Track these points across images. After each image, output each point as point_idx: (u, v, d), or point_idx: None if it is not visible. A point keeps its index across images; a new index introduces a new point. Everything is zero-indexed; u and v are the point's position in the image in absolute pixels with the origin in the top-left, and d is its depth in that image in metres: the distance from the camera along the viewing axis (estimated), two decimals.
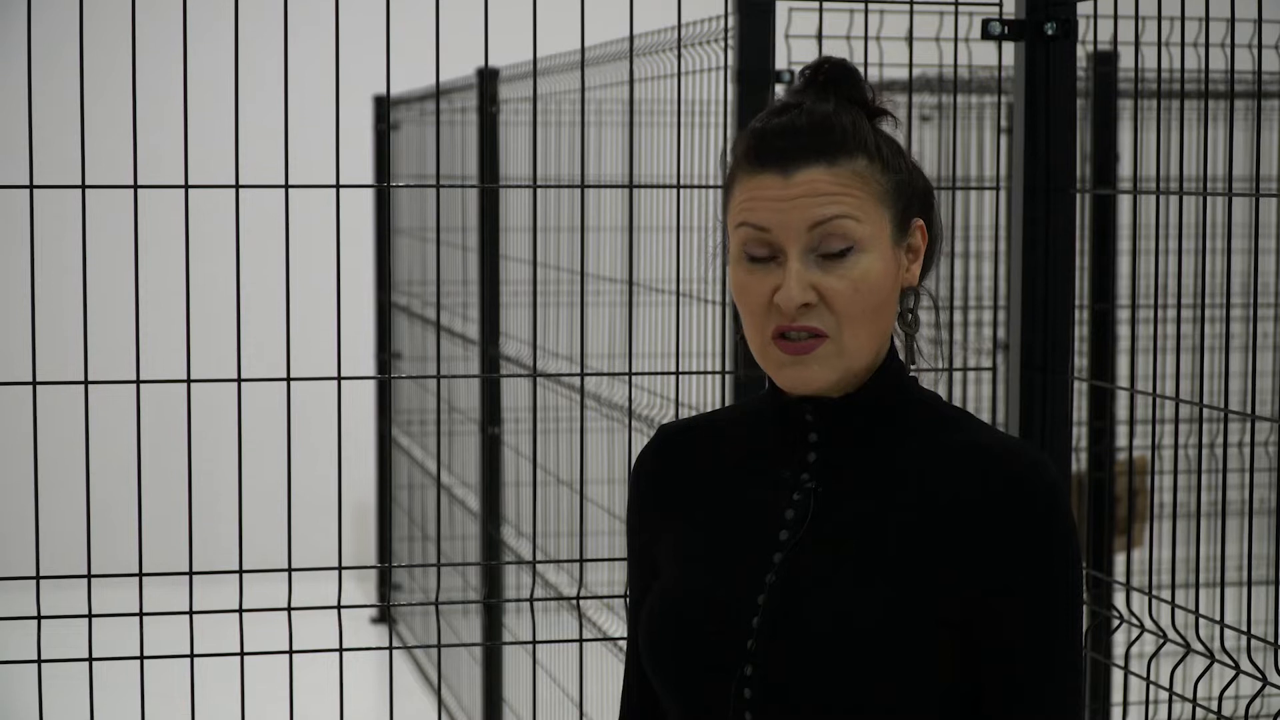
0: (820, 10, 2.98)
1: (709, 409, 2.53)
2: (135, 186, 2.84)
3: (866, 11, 3.03)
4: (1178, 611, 2.58)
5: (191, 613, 2.97)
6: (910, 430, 1.80)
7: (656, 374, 3.28)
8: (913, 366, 1.86)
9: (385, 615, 7.94)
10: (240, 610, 2.98)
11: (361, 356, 8.54)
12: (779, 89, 3.15)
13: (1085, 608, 2.92)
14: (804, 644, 1.72)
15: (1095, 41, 4.02)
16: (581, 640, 3.16)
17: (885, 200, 1.76)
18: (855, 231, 1.74)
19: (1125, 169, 6.40)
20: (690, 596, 1.81)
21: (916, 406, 1.81)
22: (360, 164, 8.58)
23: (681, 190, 3.19)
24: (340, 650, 2.96)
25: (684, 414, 3.50)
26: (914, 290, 1.83)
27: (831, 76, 1.80)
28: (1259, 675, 2.41)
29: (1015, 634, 1.72)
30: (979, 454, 1.75)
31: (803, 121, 1.76)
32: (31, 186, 2.77)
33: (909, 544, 1.74)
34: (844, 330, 1.74)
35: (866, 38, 3.03)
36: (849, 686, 1.70)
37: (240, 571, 2.97)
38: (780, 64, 3.24)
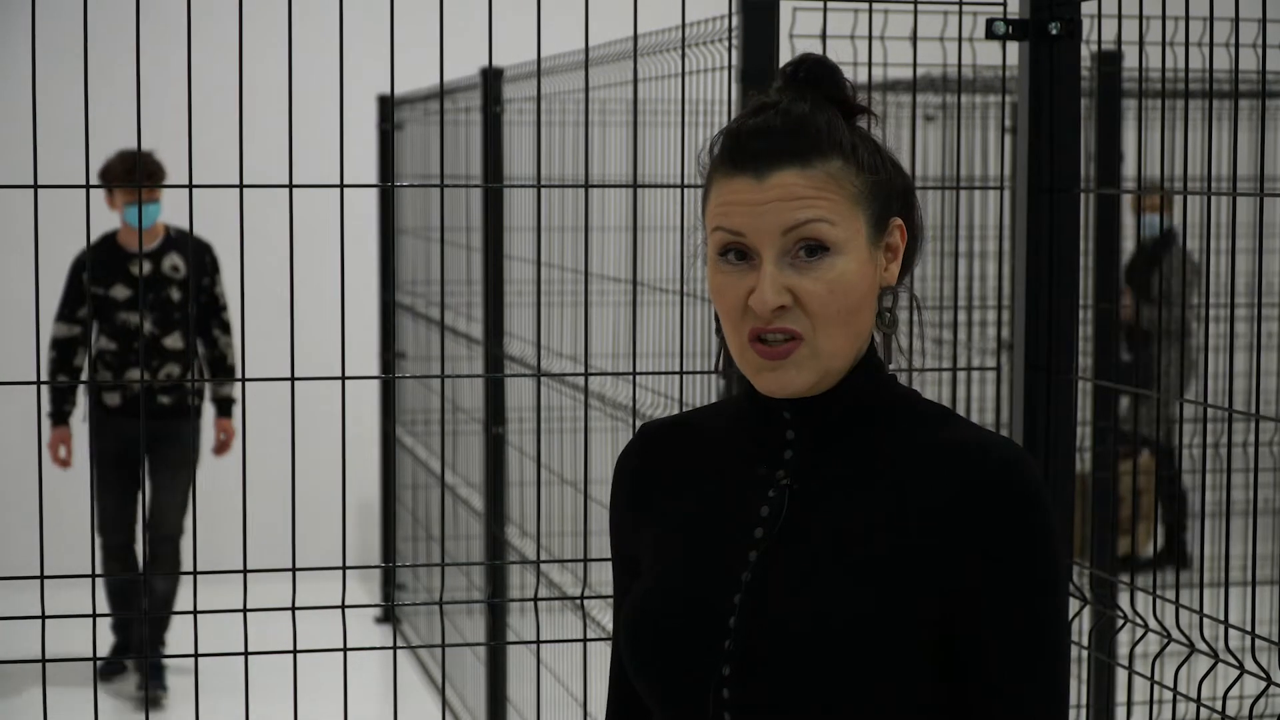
0: (824, 10, 2.98)
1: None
2: (139, 187, 2.84)
3: (870, 11, 3.03)
4: (1182, 611, 2.58)
5: (196, 612, 2.97)
6: (888, 428, 1.79)
7: (660, 374, 3.28)
8: (893, 366, 1.86)
9: (389, 615, 7.94)
10: (244, 610, 2.98)
11: (366, 356, 8.54)
12: None
13: (1089, 608, 2.93)
14: (781, 644, 1.72)
15: (1099, 41, 4.01)
16: (585, 640, 3.16)
17: (861, 201, 1.76)
18: (829, 234, 1.73)
19: (1129, 169, 6.40)
20: (668, 596, 1.80)
21: (894, 404, 1.81)
22: (365, 164, 8.59)
23: (685, 190, 3.19)
24: (344, 650, 2.96)
25: None
26: (893, 290, 1.82)
27: (811, 75, 1.80)
28: (1263, 675, 2.41)
29: (995, 632, 1.71)
30: (957, 451, 1.74)
31: (777, 122, 1.75)
32: (36, 186, 2.78)
33: (887, 542, 1.73)
34: (819, 332, 1.74)
35: (870, 37, 3.03)
36: (828, 686, 1.69)
37: (244, 571, 2.97)
38: (784, 64, 3.24)
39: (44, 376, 6.01)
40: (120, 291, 6.62)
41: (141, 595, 3.70)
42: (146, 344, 6.59)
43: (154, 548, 6.64)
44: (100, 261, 6.63)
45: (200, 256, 6.76)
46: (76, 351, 6.68)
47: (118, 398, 6.65)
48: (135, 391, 6.62)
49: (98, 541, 6.73)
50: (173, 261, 6.69)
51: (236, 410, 7.07)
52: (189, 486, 6.74)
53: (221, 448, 6.91)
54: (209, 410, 7.35)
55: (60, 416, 6.67)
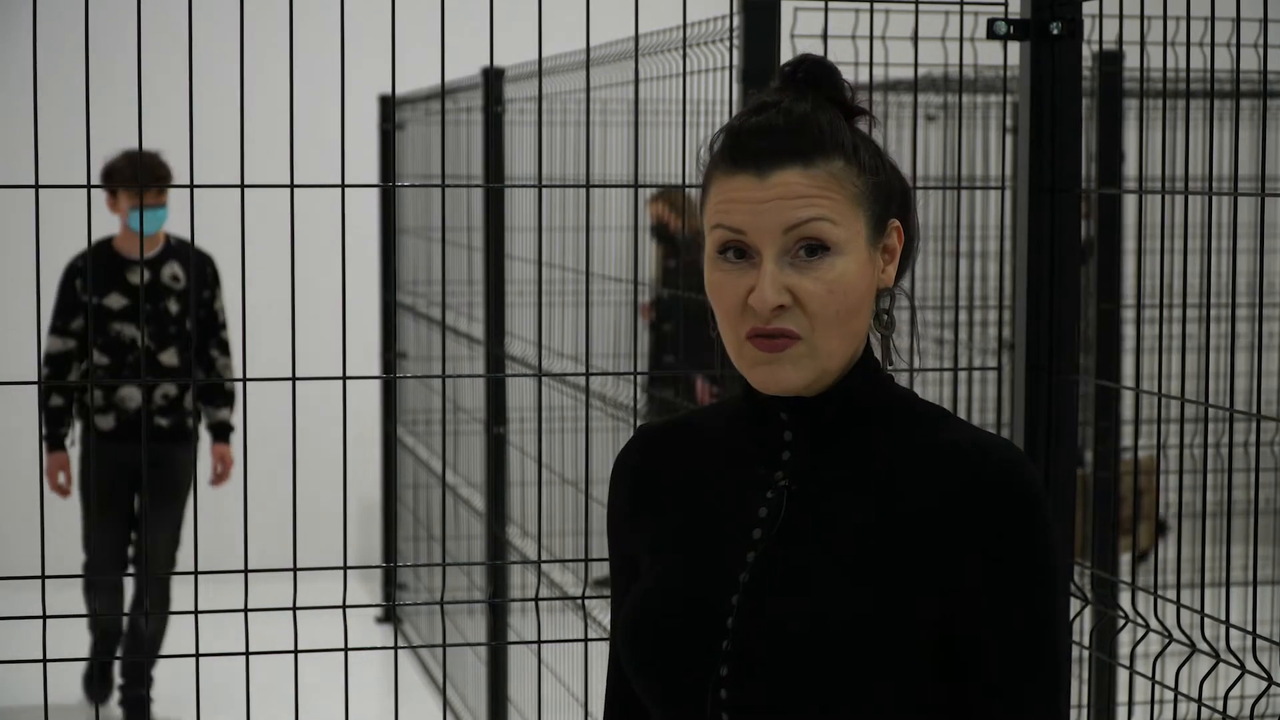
0: (825, 10, 2.98)
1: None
2: (140, 186, 2.84)
3: (872, 11, 3.03)
4: (1183, 611, 2.57)
5: (197, 612, 2.97)
6: (885, 428, 1.79)
7: (661, 373, 3.28)
8: (889, 367, 1.86)
9: (390, 615, 7.94)
10: (245, 610, 2.98)
11: (367, 356, 8.54)
12: None
13: (1090, 608, 2.93)
14: (779, 645, 1.72)
15: (1100, 41, 4.01)
16: (586, 640, 3.16)
17: (861, 202, 1.75)
18: (830, 234, 1.73)
19: (1131, 169, 6.40)
20: (666, 596, 1.80)
21: (892, 404, 1.81)
22: (366, 163, 8.59)
23: (686, 190, 3.19)
24: (345, 650, 2.96)
25: None
26: (890, 291, 1.82)
27: (811, 75, 1.80)
28: (1264, 675, 2.41)
29: (995, 632, 1.71)
30: (955, 452, 1.74)
31: (780, 121, 1.75)
32: (37, 186, 2.77)
33: (885, 542, 1.73)
34: (817, 332, 1.73)
35: (872, 37, 3.03)
36: (826, 687, 1.69)
37: (245, 571, 2.97)
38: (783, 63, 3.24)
39: (38, 393, 5.92)
40: (115, 300, 6.30)
41: (143, 595, 3.70)
42: (140, 359, 6.21)
43: (141, 590, 6.12)
44: (95, 267, 6.29)
45: (201, 268, 6.42)
46: (71, 367, 6.33)
47: (110, 420, 6.27)
48: (129, 414, 6.26)
49: (83, 582, 6.34)
50: (173, 271, 6.39)
51: (235, 437, 6.87)
52: (180, 520, 6.38)
53: (219, 478, 6.54)
54: (204, 436, 7.13)
55: (56, 440, 6.28)
